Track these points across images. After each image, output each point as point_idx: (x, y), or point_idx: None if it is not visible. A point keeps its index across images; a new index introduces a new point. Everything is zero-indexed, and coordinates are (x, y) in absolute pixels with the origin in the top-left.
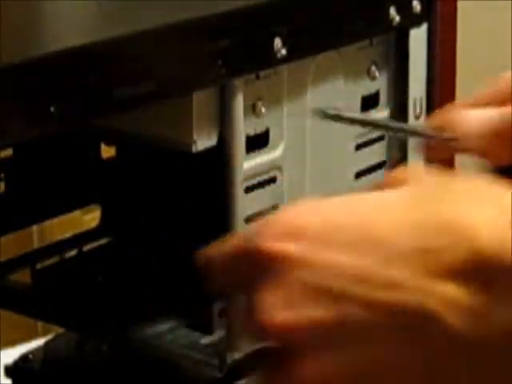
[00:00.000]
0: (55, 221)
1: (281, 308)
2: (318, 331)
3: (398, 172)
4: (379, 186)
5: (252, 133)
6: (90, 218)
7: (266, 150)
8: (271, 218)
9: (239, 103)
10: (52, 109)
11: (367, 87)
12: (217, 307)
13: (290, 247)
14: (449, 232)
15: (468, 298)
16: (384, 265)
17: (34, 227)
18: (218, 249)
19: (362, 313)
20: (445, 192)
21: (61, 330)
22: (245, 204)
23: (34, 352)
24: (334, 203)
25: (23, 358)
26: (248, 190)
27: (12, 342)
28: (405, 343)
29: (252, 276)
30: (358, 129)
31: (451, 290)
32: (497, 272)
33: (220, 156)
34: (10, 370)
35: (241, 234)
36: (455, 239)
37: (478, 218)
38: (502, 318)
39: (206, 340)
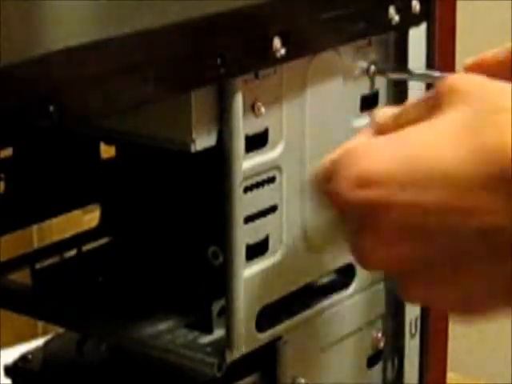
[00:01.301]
0: (55, 221)
1: (381, 249)
2: (418, 263)
3: (445, 86)
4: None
5: (251, 132)
6: (90, 218)
7: (265, 149)
8: (343, 160)
9: (238, 103)
10: (51, 108)
11: (366, 87)
12: (216, 306)
13: (373, 194)
14: (502, 156)
15: None
16: (459, 194)
17: (34, 227)
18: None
19: (454, 241)
20: (494, 112)
21: (61, 330)
22: (244, 204)
23: (33, 352)
24: (392, 144)
25: (23, 358)
26: (247, 189)
27: (12, 342)
28: (495, 262)
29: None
30: (358, 129)
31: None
32: None
33: (219, 156)
34: (9, 370)
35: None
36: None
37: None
38: None
39: (205, 339)
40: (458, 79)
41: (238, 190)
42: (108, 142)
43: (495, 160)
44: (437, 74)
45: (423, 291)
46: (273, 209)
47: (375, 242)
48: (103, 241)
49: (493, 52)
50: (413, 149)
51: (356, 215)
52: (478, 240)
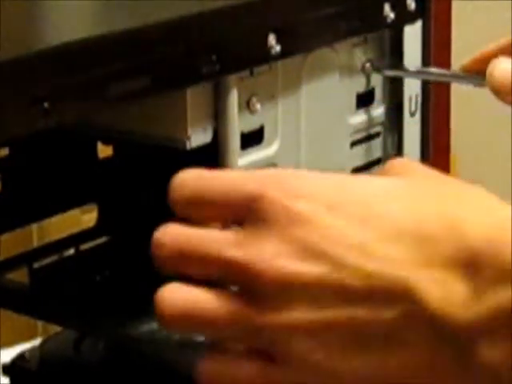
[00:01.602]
0: (54, 220)
1: (280, 258)
2: (310, 287)
3: (395, 162)
4: (378, 173)
5: (246, 129)
6: (89, 217)
7: (260, 146)
8: (284, 172)
9: (233, 100)
10: (46, 105)
11: (362, 84)
12: None
13: (301, 205)
14: (445, 226)
15: (455, 284)
16: (383, 241)
17: (33, 226)
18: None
19: (349, 278)
20: (445, 188)
21: (60, 330)
22: None
23: (31, 351)
24: (343, 178)
25: (20, 357)
26: None
27: (11, 342)
28: (385, 312)
29: (256, 223)
30: (354, 126)
31: (440, 275)
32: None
33: (214, 153)
34: (7, 369)
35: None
36: (450, 234)
37: (471, 216)
38: (486, 305)
39: (201, 337)
40: (403, 160)
41: None
42: (105, 141)
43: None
44: (432, 70)
45: (290, 319)
46: None
47: (278, 250)
48: (101, 240)
49: (491, 44)
50: (362, 189)
51: (267, 220)
52: (376, 287)
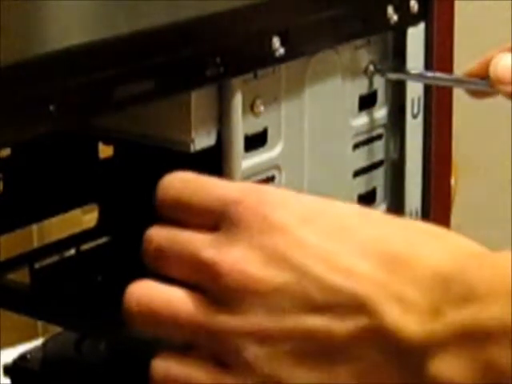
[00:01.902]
0: (55, 220)
1: (244, 262)
2: (270, 294)
3: None
4: None
5: (250, 132)
6: (90, 218)
7: (264, 149)
8: (265, 186)
9: (237, 102)
10: (51, 108)
11: (365, 86)
12: None
13: (276, 215)
14: (410, 248)
15: (415, 301)
16: (349, 255)
17: (34, 227)
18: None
19: (311, 289)
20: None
21: (60, 330)
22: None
23: (32, 351)
24: (319, 198)
25: (22, 358)
26: None
27: (12, 342)
28: (342, 325)
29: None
30: (356, 128)
31: (402, 293)
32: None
33: (218, 155)
34: (8, 370)
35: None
36: (414, 254)
37: (434, 241)
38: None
39: None
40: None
41: None
42: (106, 142)
43: None
44: (435, 74)
45: (246, 324)
46: None
47: (244, 254)
48: (101, 240)
49: (495, 49)
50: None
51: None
52: (335, 298)
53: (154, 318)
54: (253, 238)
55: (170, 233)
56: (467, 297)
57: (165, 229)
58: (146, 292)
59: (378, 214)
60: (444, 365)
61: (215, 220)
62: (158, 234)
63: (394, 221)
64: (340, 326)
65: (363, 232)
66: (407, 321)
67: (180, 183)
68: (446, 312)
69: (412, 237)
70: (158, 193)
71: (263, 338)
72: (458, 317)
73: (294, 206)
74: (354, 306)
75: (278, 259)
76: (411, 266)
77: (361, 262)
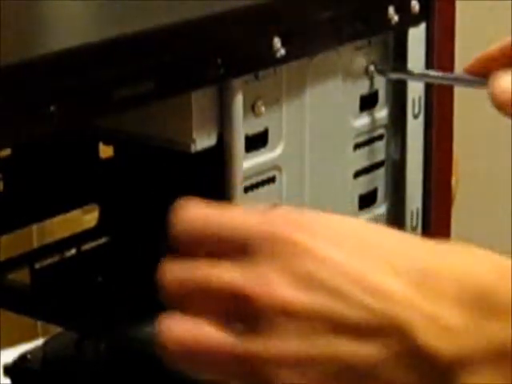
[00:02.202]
0: (55, 221)
1: (276, 285)
2: (301, 316)
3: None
4: None
5: (251, 132)
6: (90, 218)
7: (265, 149)
8: (287, 209)
9: (238, 103)
10: (52, 108)
11: (366, 87)
12: None
13: (303, 237)
14: (444, 263)
15: (450, 320)
16: (380, 274)
17: (34, 227)
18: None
19: (342, 310)
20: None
21: (61, 330)
22: (244, 204)
23: (32, 351)
24: (339, 216)
25: (22, 358)
26: (247, 189)
27: (12, 342)
28: (373, 347)
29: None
30: (357, 128)
31: (436, 311)
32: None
33: (219, 156)
34: (8, 370)
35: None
36: (451, 270)
37: (466, 256)
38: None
39: None
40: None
41: (238, 190)
42: (107, 142)
43: None
44: (436, 73)
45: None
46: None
47: (280, 279)
48: (102, 240)
49: (493, 45)
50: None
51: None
52: (368, 319)
53: (193, 351)
54: (280, 262)
55: (190, 268)
56: (502, 313)
57: (183, 265)
58: (184, 330)
59: (393, 230)
60: (478, 382)
61: (239, 249)
62: (178, 271)
63: (409, 236)
64: (372, 348)
65: (389, 248)
66: (443, 340)
67: (202, 220)
68: (484, 328)
69: (437, 251)
70: (177, 228)
71: (294, 362)
72: (497, 333)
73: (319, 229)
74: (387, 327)
75: (309, 281)
76: (442, 282)
77: (391, 279)
